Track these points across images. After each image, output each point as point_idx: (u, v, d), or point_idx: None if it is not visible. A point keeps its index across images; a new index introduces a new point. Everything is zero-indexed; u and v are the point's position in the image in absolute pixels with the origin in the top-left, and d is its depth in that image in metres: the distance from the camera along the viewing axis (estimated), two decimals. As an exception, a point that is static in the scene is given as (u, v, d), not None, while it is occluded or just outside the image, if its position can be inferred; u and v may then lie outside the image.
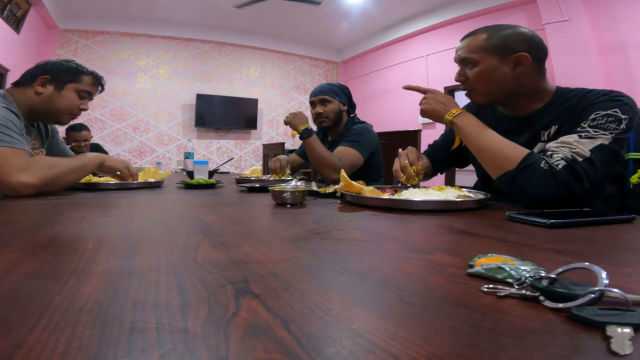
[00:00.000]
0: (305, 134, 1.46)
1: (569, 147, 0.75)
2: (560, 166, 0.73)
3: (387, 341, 0.20)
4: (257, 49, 5.65)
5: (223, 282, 0.30)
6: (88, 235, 0.48)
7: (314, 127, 1.57)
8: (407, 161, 0.99)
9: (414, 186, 0.94)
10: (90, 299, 0.25)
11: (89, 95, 1.19)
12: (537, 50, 0.86)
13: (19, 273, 0.31)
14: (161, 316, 0.23)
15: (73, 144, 2.72)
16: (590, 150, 0.73)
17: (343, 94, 1.69)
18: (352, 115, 1.74)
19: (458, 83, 0.95)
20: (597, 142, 0.74)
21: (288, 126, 1.52)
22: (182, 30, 5.01)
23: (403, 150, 1.06)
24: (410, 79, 4.97)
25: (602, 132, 0.74)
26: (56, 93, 1.11)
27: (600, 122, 0.76)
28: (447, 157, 1.21)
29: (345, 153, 1.50)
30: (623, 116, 0.75)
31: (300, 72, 6.09)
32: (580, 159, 0.73)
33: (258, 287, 0.28)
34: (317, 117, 1.65)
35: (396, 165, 1.02)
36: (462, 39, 0.93)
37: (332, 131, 1.73)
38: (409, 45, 5.02)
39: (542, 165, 0.74)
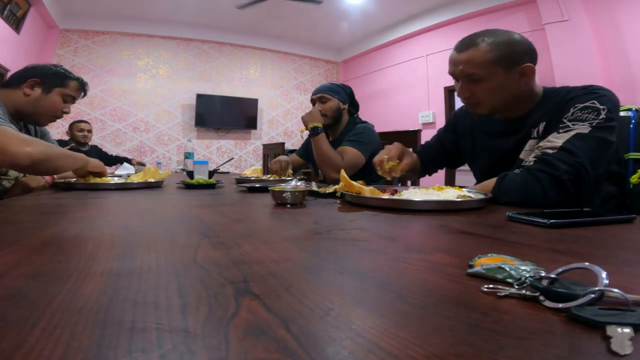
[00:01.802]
0: (313, 132, 1.47)
1: (540, 147, 0.80)
2: (530, 162, 0.78)
3: (387, 341, 0.20)
4: (257, 49, 5.64)
5: (223, 282, 0.30)
6: (88, 235, 0.48)
7: None
8: (386, 156, 1.02)
9: (397, 179, 1.00)
10: (90, 299, 0.25)
11: (72, 100, 1.26)
12: (535, 58, 0.87)
13: (19, 273, 0.31)
14: (161, 316, 0.23)
15: (78, 133, 3.11)
16: (565, 141, 0.76)
17: (344, 93, 1.69)
18: (354, 116, 1.74)
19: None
20: (573, 132, 0.76)
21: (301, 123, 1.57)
22: (182, 30, 5.00)
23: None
24: (410, 79, 4.97)
25: (581, 123, 0.77)
26: (43, 96, 1.16)
27: (578, 114, 0.79)
28: (438, 158, 1.23)
29: (348, 153, 1.50)
30: (601, 106, 0.77)
31: (300, 72, 6.08)
32: (551, 151, 0.76)
33: (258, 287, 0.28)
34: None
35: (376, 157, 1.06)
36: (460, 51, 0.87)
37: (332, 130, 1.73)
38: (409, 45, 5.02)
39: (515, 170, 0.80)
